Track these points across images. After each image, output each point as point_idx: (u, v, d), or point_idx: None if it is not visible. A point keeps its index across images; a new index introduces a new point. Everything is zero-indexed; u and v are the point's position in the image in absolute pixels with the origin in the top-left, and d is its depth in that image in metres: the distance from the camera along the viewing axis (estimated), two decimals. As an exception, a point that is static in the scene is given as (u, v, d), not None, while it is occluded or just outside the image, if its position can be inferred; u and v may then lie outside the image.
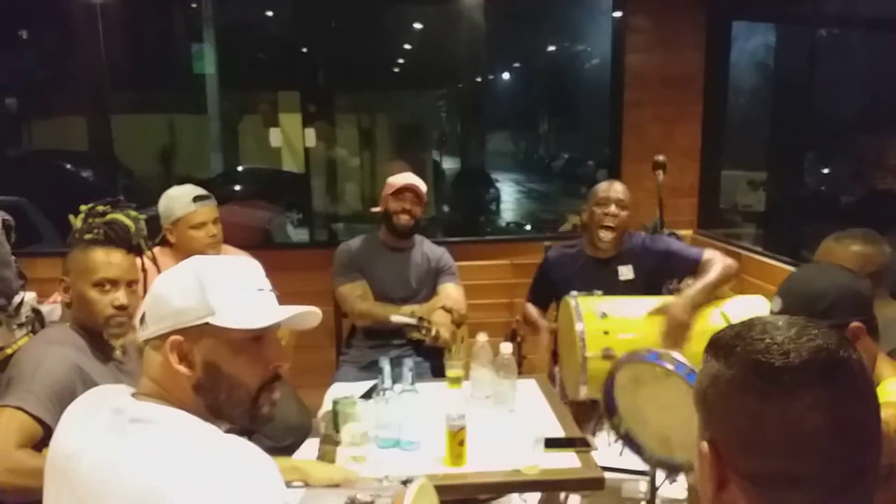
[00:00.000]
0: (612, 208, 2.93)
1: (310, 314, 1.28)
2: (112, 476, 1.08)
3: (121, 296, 1.93)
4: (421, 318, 2.86)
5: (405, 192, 3.11)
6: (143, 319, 1.23)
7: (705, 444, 0.86)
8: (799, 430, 0.80)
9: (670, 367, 1.98)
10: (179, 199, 2.85)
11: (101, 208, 2.04)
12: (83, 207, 2.07)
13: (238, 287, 1.21)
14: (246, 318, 1.19)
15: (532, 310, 3.22)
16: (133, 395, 1.22)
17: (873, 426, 0.83)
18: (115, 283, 1.93)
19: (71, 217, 2.06)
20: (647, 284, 2.92)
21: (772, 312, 1.76)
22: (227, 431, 1.22)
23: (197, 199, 2.86)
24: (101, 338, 1.97)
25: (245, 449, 1.13)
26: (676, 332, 2.59)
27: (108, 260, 1.94)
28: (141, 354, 1.28)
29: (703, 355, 0.90)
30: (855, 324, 1.53)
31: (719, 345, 0.88)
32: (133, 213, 2.08)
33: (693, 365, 1.92)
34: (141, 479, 1.05)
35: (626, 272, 3.00)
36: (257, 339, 1.22)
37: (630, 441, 2.16)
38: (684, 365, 1.95)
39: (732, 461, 0.84)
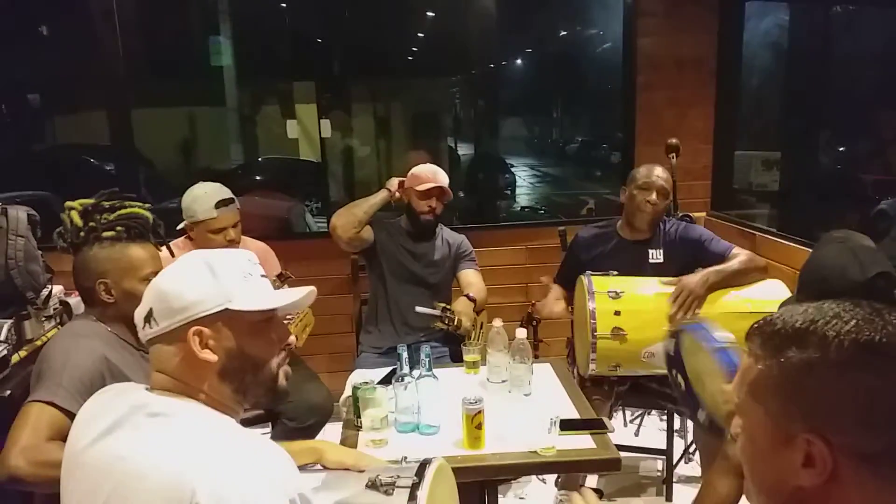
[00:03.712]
0: (654, 196, 2.94)
1: (308, 295, 1.34)
2: (131, 469, 1.09)
3: None
4: (444, 309, 2.86)
5: (432, 192, 3.15)
6: (149, 317, 1.22)
7: (814, 437, 0.84)
8: None
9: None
10: (202, 203, 2.85)
11: (106, 203, 2.01)
12: (75, 204, 2.01)
13: (245, 274, 1.26)
14: (260, 300, 1.25)
15: (550, 295, 3.12)
16: (147, 389, 1.23)
17: None
18: (156, 273, 1.99)
19: (68, 215, 1.99)
20: (676, 270, 2.89)
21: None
22: (251, 418, 1.27)
23: (219, 204, 2.85)
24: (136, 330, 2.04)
25: (261, 439, 1.18)
26: (685, 300, 2.63)
27: (149, 254, 2.00)
28: None
29: (767, 349, 0.90)
30: None
31: (800, 334, 0.88)
32: (139, 203, 2.05)
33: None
34: (163, 470, 1.06)
35: (656, 255, 3.02)
36: (268, 321, 1.28)
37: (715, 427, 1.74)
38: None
39: (844, 446, 0.83)
